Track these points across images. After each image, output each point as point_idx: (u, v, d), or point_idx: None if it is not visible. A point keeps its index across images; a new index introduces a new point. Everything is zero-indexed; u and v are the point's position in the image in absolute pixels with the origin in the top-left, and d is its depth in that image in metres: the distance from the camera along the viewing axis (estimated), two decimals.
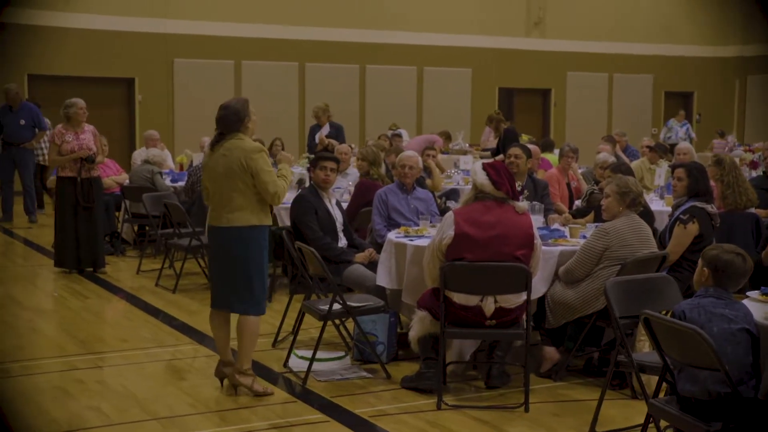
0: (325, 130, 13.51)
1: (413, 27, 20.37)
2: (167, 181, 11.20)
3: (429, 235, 6.45)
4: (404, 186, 7.70)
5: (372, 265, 6.84)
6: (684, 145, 11.25)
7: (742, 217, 7.62)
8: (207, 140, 7.00)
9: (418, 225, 7.13)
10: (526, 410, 5.47)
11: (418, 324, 5.76)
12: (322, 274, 6.15)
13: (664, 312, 4.70)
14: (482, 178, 5.66)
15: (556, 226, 7.11)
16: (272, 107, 18.18)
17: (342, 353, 6.55)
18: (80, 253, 9.57)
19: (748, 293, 4.76)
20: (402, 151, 8.60)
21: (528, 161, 8.23)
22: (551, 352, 6.15)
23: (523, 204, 5.80)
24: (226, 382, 5.87)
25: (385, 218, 7.53)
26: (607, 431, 5.13)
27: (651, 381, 4.74)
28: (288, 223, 7.74)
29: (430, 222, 7.04)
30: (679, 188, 6.84)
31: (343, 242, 7.18)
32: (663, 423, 4.45)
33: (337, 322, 6.61)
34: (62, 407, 5.54)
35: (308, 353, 6.20)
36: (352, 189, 8.91)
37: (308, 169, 8.97)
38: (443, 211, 7.79)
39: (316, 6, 19.32)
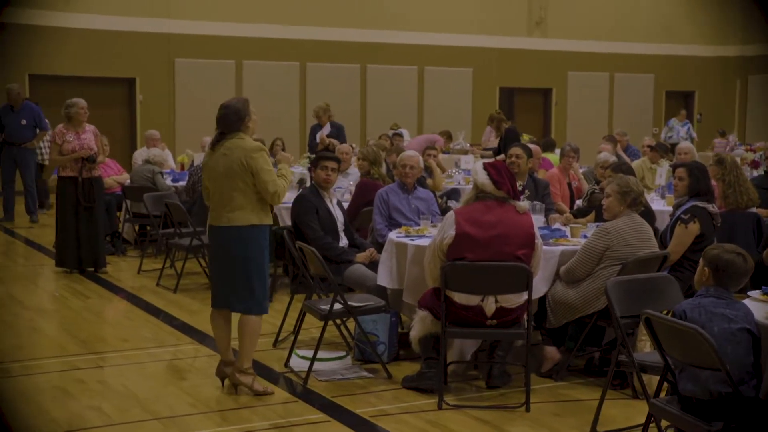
0: (326, 129, 13.52)
1: (414, 27, 20.37)
2: (168, 181, 11.20)
3: (430, 235, 6.45)
4: (405, 186, 7.70)
5: (373, 265, 6.84)
6: (685, 144, 11.25)
7: (743, 216, 7.62)
8: (208, 140, 7.00)
9: (419, 225, 7.13)
10: (527, 410, 5.47)
11: (419, 324, 5.76)
12: (323, 274, 6.15)
13: (665, 312, 4.70)
14: (483, 177, 5.66)
15: (557, 225, 7.11)
16: (273, 107, 18.18)
17: (343, 353, 6.55)
18: (81, 252, 9.57)
19: (749, 293, 4.76)
20: (403, 151, 8.60)
21: (529, 161, 8.22)
22: (552, 352, 6.15)
23: (524, 204, 5.79)
24: (226, 381, 5.87)
25: (386, 218, 7.52)
26: (608, 431, 5.13)
27: (652, 381, 4.73)
28: (289, 222, 7.74)
29: (431, 222, 7.04)
30: (680, 188, 6.84)
31: (344, 242, 7.18)
32: (664, 423, 4.45)
33: (338, 321, 6.61)
34: (63, 407, 5.54)
35: (309, 353, 6.20)
36: (353, 189, 8.90)
37: (309, 169, 8.96)
38: (444, 211, 7.78)
39: (316, 6, 19.32)
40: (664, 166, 11.19)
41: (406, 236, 6.63)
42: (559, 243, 6.38)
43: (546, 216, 7.40)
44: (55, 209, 9.71)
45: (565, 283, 6.04)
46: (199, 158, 11.67)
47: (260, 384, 5.78)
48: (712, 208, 6.69)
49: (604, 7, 22.45)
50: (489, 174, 5.66)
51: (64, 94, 11.64)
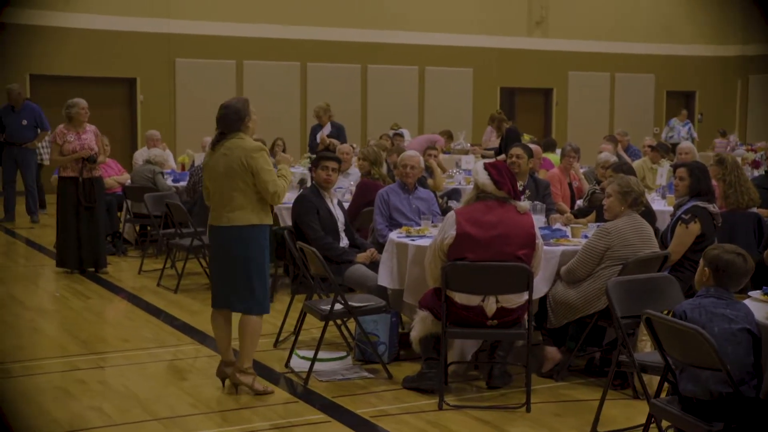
0: (327, 129, 13.52)
1: (415, 27, 20.37)
2: (169, 181, 11.20)
3: (430, 235, 6.45)
4: (406, 186, 7.70)
5: (373, 265, 6.84)
6: (686, 144, 11.24)
7: (744, 216, 7.61)
8: (208, 140, 7.01)
9: (419, 225, 7.13)
10: (528, 410, 5.47)
11: (420, 324, 5.76)
12: (324, 274, 6.15)
13: (665, 312, 4.70)
14: (484, 177, 5.66)
15: (557, 225, 7.11)
16: (274, 107, 18.18)
17: (343, 353, 6.56)
18: (82, 253, 9.57)
19: (749, 293, 4.76)
20: (403, 151, 8.60)
21: (529, 161, 8.22)
22: (553, 352, 6.15)
23: (524, 204, 5.79)
24: (227, 382, 5.87)
25: (386, 218, 7.52)
26: (608, 431, 5.12)
27: (652, 381, 4.73)
28: (290, 223, 7.74)
29: (432, 222, 7.04)
30: (680, 188, 6.83)
31: (344, 242, 7.18)
32: (665, 423, 4.44)
33: (339, 322, 6.61)
34: (63, 407, 5.54)
35: (310, 353, 6.19)
36: (354, 189, 8.90)
37: (310, 169, 8.96)
38: (445, 211, 7.78)
39: (317, 6, 19.32)
40: (664, 166, 11.19)
41: (407, 236, 6.63)
42: (559, 243, 6.38)
43: (547, 216, 7.40)
44: (56, 209, 9.71)
45: (566, 283, 6.03)
46: (199, 158, 11.68)
47: (260, 384, 5.79)
48: (713, 208, 6.68)
49: (605, 7, 22.45)
50: (490, 174, 5.66)
51: (64, 94, 11.64)
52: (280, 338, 6.94)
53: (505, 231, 5.54)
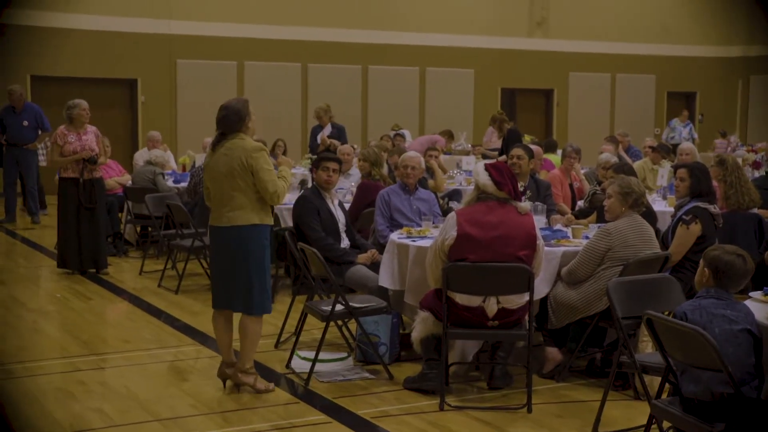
0: (327, 130, 13.52)
1: (416, 28, 20.37)
2: (170, 182, 11.20)
3: (431, 236, 6.45)
4: (407, 186, 7.70)
5: (374, 266, 6.84)
6: (686, 145, 11.24)
7: (744, 217, 7.61)
8: (209, 141, 7.00)
9: (420, 226, 7.13)
10: (529, 411, 5.47)
11: (421, 325, 5.76)
12: (325, 275, 6.15)
13: (666, 313, 4.70)
14: (485, 178, 5.66)
15: (558, 226, 7.11)
16: (275, 108, 18.19)
17: (344, 354, 6.56)
18: (83, 254, 9.58)
19: (750, 294, 4.76)
20: (404, 152, 8.60)
21: (530, 162, 8.23)
22: (554, 353, 6.15)
23: (525, 204, 5.79)
24: (228, 382, 5.87)
25: (387, 219, 7.52)
26: None
27: (653, 382, 4.73)
28: (290, 223, 7.75)
29: (433, 223, 7.04)
30: (681, 189, 6.83)
31: (345, 243, 7.18)
32: (666, 424, 4.44)
33: (340, 323, 6.62)
34: (65, 408, 5.55)
35: (311, 354, 6.19)
36: (355, 190, 8.90)
37: (310, 170, 8.97)
38: (446, 212, 7.78)
39: (318, 7, 19.32)
40: (665, 167, 11.19)
41: (408, 237, 6.63)
42: (560, 244, 6.38)
43: (547, 217, 7.40)
44: (57, 210, 9.71)
45: (567, 284, 6.04)
46: (200, 159, 11.68)
47: (262, 383, 5.80)
48: (714, 209, 6.68)
49: (606, 8, 22.45)
50: (490, 175, 5.66)
51: (65, 95, 11.64)
52: (281, 339, 6.94)
53: (505, 232, 5.54)
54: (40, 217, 13.58)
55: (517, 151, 8.24)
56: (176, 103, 18.56)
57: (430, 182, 9.92)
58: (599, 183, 8.82)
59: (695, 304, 4.14)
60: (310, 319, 6.50)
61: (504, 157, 11.62)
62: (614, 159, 9.49)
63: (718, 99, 24.35)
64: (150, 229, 10.95)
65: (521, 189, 7.09)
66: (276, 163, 6.05)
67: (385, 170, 8.97)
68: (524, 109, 22.48)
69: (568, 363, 6.10)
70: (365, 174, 8.88)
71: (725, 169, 7.79)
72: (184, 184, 10.97)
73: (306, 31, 19.24)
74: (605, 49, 22.62)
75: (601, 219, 7.24)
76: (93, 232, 9.57)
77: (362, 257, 7.04)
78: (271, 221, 5.83)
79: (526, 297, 5.54)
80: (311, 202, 7.10)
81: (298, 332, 6.53)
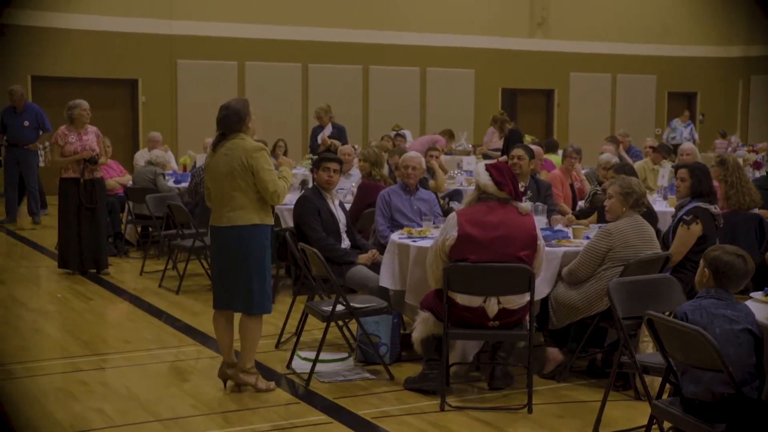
0: (328, 130, 13.52)
1: (416, 28, 20.37)
2: (170, 183, 11.21)
3: (432, 236, 6.45)
4: (407, 187, 7.70)
5: (375, 266, 6.84)
6: (687, 145, 11.23)
7: (745, 217, 7.61)
8: (210, 141, 7.01)
9: (421, 226, 7.13)
10: (530, 411, 5.47)
11: (421, 325, 5.75)
12: (325, 275, 6.15)
13: (667, 313, 4.70)
14: (485, 178, 5.65)
15: (559, 227, 7.11)
16: (275, 108, 18.19)
17: (345, 354, 6.56)
18: (83, 254, 9.58)
19: (751, 294, 4.76)
20: (405, 152, 8.60)
21: (531, 162, 8.22)
22: (554, 353, 6.15)
23: (526, 205, 5.79)
24: (229, 383, 5.87)
25: (388, 219, 7.52)
26: None
27: (654, 382, 4.73)
28: (291, 224, 7.75)
29: (433, 223, 7.04)
30: (682, 189, 6.83)
31: (346, 243, 7.18)
32: (666, 424, 4.44)
33: (340, 323, 6.62)
34: (65, 409, 5.55)
35: (311, 354, 6.19)
36: (355, 190, 8.90)
37: (311, 171, 8.98)
38: (446, 212, 7.78)
39: (319, 7, 19.32)
40: (666, 167, 11.18)
41: (408, 237, 6.63)
42: (561, 244, 6.38)
43: (548, 217, 7.39)
44: (58, 211, 9.71)
45: (568, 284, 6.03)
46: (201, 159, 11.68)
47: (263, 382, 5.80)
48: (715, 209, 6.68)
49: (606, 8, 22.45)
50: (491, 175, 5.66)
51: (66, 95, 11.64)
52: (282, 339, 6.94)
53: (506, 232, 5.54)
54: (40, 217, 13.58)
55: (517, 151, 8.24)
56: (177, 103, 18.56)
57: (431, 182, 9.91)
58: (600, 183, 8.82)
59: (696, 305, 4.14)
60: (311, 320, 6.50)
61: (504, 157, 11.62)
62: (615, 159, 9.49)
63: (718, 99, 24.35)
64: (151, 229, 10.95)
65: (522, 189, 7.09)
66: (277, 163, 6.05)
67: (385, 170, 8.97)
68: (525, 109, 22.49)
69: (568, 363, 6.10)
70: (366, 174, 8.87)
71: (726, 170, 7.78)
72: (184, 185, 10.97)
73: (306, 31, 19.25)
74: (606, 50, 22.62)
75: (601, 219, 7.23)
76: (94, 232, 9.57)
77: (363, 257, 7.04)
78: (271, 221, 5.83)
79: (526, 297, 5.54)
80: (312, 203, 7.10)
81: (298, 332, 6.53)
